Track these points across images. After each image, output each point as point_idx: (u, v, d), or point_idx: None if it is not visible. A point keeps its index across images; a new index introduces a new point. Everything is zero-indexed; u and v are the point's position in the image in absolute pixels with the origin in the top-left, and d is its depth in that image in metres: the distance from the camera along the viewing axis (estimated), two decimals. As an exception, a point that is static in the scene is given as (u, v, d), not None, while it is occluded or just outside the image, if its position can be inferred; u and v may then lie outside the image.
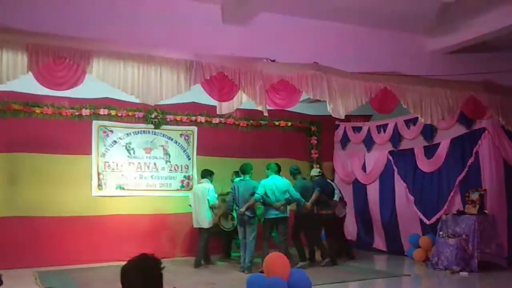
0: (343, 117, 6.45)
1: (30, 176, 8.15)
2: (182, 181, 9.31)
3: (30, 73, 5.13)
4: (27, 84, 6.11)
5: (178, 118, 9.35)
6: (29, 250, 7.87)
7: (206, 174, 8.16)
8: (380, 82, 6.40)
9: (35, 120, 8.27)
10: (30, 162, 8.18)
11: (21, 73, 5.09)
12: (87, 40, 5.23)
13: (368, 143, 9.81)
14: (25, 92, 7.98)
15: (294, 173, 8.56)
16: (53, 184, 8.22)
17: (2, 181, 8.02)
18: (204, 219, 7.88)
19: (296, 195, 7.77)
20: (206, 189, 7.92)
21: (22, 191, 8.08)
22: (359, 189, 9.97)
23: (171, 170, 9.22)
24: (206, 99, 6.77)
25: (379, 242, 9.57)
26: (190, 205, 8.11)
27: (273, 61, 6.00)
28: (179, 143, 9.40)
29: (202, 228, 7.90)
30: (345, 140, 10.37)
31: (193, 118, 9.49)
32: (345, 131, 10.33)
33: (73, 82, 5.30)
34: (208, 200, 7.84)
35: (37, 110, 8.28)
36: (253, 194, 7.53)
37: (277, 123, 10.21)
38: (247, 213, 7.51)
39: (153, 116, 9.06)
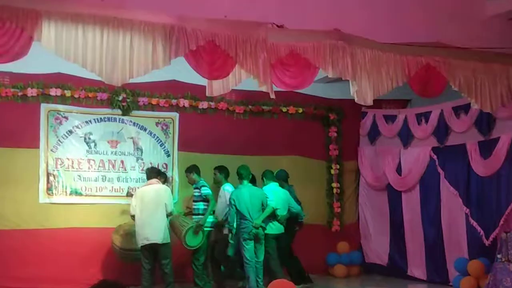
0: (370, 103, 6.46)
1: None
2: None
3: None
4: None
5: (154, 101, 9.39)
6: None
7: (154, 172, 8.33)
8: (421, 55, 6.42)
9: (-35, 102, 8.28)
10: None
11: None
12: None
13: (405, 136, 9.81)
14: (-48, 65, 8.00)
15: (283, 179, 8.94)
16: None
17: None
18: (158, 231, 7.81)
19: (297, 208, 8.43)
20: (163, 191, 8.02)
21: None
22: (393, 197, 10.00)
23: (144, 170, 9.19)
24: (191, 76, 6.81)
25: (415, 267, 9.59)
26: (133, 216, 7.95)
27: (281, 26, 6.02)
28: (154, 135, 9.45)
29: (157, 245, 7.80)
30: (374, 133, 10.38)
31: (174, 101, 9.53)
32: (374, 120, 10.33)
33: (16, 52, 5.33)
34: (166, 205, 7.92)
35: (-32, 89, 8.30)
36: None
37: (284, 109, 10.24)
38: (263, 225, 8.02)
39: (120, 98, 9.09)
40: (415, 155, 9.62)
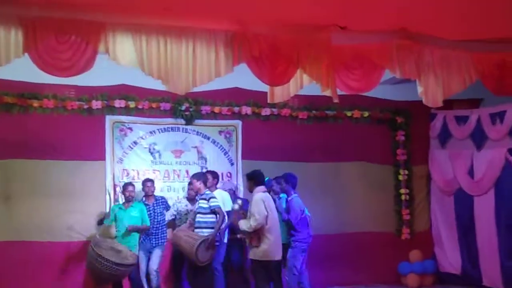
0: (440, 104, 6.32)
1: (27, 189, 8.47)
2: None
3: (23, 56, 5.32)
4: (22, 69, 6.40)
5: (217, 109, 9.48)
6: (26, 282, 8.17)
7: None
8: (495, 51, 6.24)
9: (33, 116, 8.58)
10: (27, 171, 8.50)
11: (15, 56, 5.31)
12: (98, 9, 5.37)
13: (478, 138, 9.56)
14: (20, 80, 8.29)
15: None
16: (56, 200, 8.49)
17: (-7, 197, 8.37)
18: None
19: None
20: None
21: (18, 209, 8.42)
22: (464, 202, 9.76)
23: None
24: (253, 83, 6.82)
25: (490, 277, 9.30)
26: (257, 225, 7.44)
27: (344, 28, 5.96)
28: (218, 143, 9.53)
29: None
30: (445, 135, 10.16)
31: (236, 109, 9.59)
32: (444, 122, 10.12)
33: (82, 66, 5.48)
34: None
35: (35, 103, 8.59)
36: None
37: (349, 113, 10.13)
38: None
39: (183, 108, 9.21)
40: (489, 157, 9.35)
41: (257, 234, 7.27)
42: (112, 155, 8.95)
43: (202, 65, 5.72)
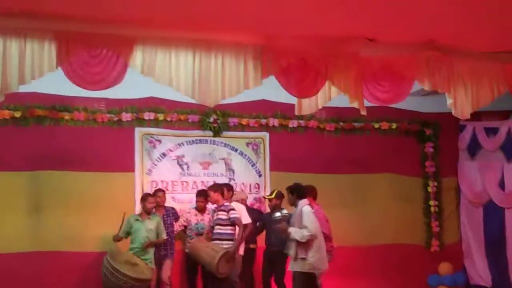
0: (467, 116, 6.28)
1: (57, 200, 8.60)
2: (252, 205, 9.39)
3: (56, 70, 5.45)
4: (53, 83, 6.55)
5: (244, 121, 9.54)
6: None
7: None
8: (525, 63, 6.17)
9: (64, 128, 8.73)
10: (57, 183, 8.64)
11: (48, 69, 5.43)
12: (129, 24, 5.46)
13: (509, 149, 9.48)
14: (51, 93, 8.49)
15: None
16: (87, 210, 8.59)
17: (24, 207, 8.51)
18: None
19: None
20: None
21: (49, 220, 8.55)
22: (494, 214, 9.64)
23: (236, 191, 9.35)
24: (280, 95, 6.86)
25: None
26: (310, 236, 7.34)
27: (372, 40, 5.96)
28: (245, 155, 9.57)
29: None
30: (474, 147, 10.08)
31: (263, 121, 9.64)
32: (474, 133, 10.04)
33: (113, 79, 5.59)
34: None
35: (66, 116, 8.75)
36: None
37: (377, 125, 10.10)
38: None
39: (211, 120, 9.28)
40: (520, 169, 9.25)
41: (305, 245, 7.22)
42: (141, 166, 9.06)
43: (231, 78, 5.77)
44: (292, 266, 7.42)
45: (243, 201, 8.70)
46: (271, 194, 8.63)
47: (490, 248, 9.73)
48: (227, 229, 7.84)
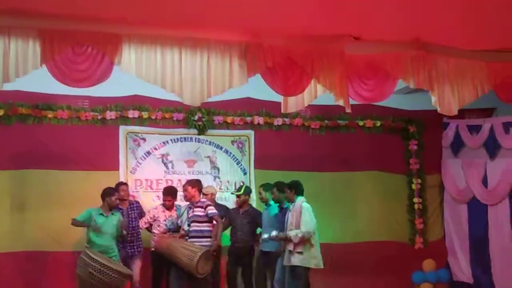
0: (455, 113, 6.35)
1: (41, 199, 8.57)
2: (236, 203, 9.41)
3: (41, 67, 5.46)
4: (37, 81, 6.51)
5: (229, 119, 9.54)
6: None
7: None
8: (509, 61, 6.23)
9: (47, 126, 8.69)
10: (41, 181, 8.61)
11: (33, 67, 5.45)
12: (114, 22, 5.47)
13: (491, 147, 9.48)
14: (34, 91, 8.40)
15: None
16: (70, 210, 8.42)
17: (8, 207, 8.46)
18: None
19: None
20: None
21: (33, 219, 8.51)
22: (478, 211, 9.70)
23: (222, 189, 9.38)
24: (265, 93, 6.88)
25: (504, 285, 9.20)
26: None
27: (358, 38, 6.01)
28: (230, 153, 9.58)
29: None
30: (457, 144, 10.12)
31: (248, 119, 9.65)
32: (457, 131, 10.08)
33: (99, 77, 5.60)
34: None
35: (50, 114, 8.70)
36: None
37: (361, 122, 10.14)
38: None
39: (196, 118, 9.28)
40: (503, 166, 9.30)
41: (302, 240, 7.43)
42: (125, 165, 9.04)
43: (216, 76, 5.80)
44: (289, 261, 7.53)
45: (212, 196, 8.69)
46: (239, 190, 8.65)
47: (473, 245, 9.79)
48: (205, 226, 7.82)
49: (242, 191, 8.59)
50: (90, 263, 7.13)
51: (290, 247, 7.50)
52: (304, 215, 7.52)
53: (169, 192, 8.50)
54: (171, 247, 7.73)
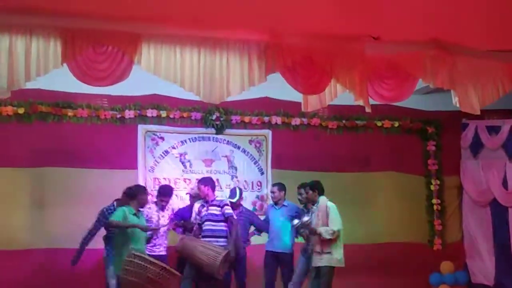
0: (478, 112, 6.32)
1: (60, 197, 8.66)
2: (254, 203, 9.50)
3: (62, 66, 5.48)
4: (57, 79, 6.59)
5: (247, 119, 9.57)
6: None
7: None
8: (529, 62, 6.20)
9: (67, 125, 8.80)
10: (60, 179, 8.70)
11: (53, 66, 5.47)
12: (134, 21, 5.49)
13: (511, 148, 9.46)
14: (54, 89, 8.51)
15: None
16: (89, 208, 8.48)
17: (27, 204, 8.58)
18: None
19: None
20: None
21: (51, 216, 8.61)
22: (499, 213, 9.65)
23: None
24: (283, 93, 6.90)
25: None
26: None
27: (377, 38, 5.99)
28: (248, 153, 9.61)
29: None
30: (477, 145, 10.08)
31: (266, 118, 9.68)
32: (476, 132, 10.04)
33: (118, 76, 5.62)
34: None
35: (70, 113, 8.80)
36: None
37: (379, 123, 10.13)
38: None
39: (214, 117, 9.31)
40: (523, 167, 9.27)
41: (330, 240, 7.43)
42: (144, 164, 9.10)
43: (236, 75, 5.80)
44: (318, 262, 7.53)
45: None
46: (233, 196, 8.38)
47: (498, 247, 9.72)
48: (220, 226, 7.73)
49: (237, 196, 8.42)
50: (149, 267, 6.69)
51: (318, 248, 7.49)
52: (331, 213, 7.54)
53: (168, 193, 8.33)
54: (188, 246, 7.62)
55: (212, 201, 7.84)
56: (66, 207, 8.60)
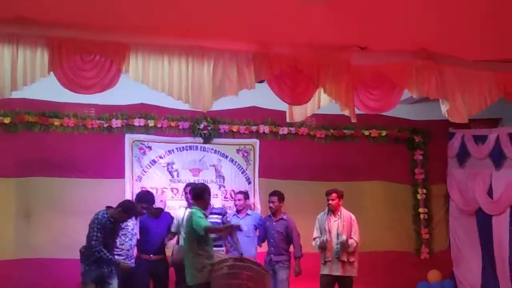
0: (465, 120, 6.38)
1: (46, 206, 8.61)
2: (241, 212, 9.43)
3: (48, 75, 5.50)
4: (43, 89, 6.56)
5: (234, 128, 9.57)
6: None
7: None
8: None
9: (54, 134, 8.75)
10: (47, 189, 8.66)
11: (40, 75, 5.49)
12: (122, 30, 5.51)
13: (497, 157, 9.51)
14: (41, 99, 8.50)
15: None
16: (76, 217, 8.49)
17: (14, 214, 8.51)
18: None
19: None
20: None
21: (37, 226, 8.55)
22: (484, 222, 9.71)
23: (226, 198, 9.39)
24: (271, 102, 6.90)
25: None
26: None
27: (364, 48, 6.04)
28: (235, 162, 9.60)
29: None
30: (463, 154, 10.14)
31: (254, 127, 9.68)
32: (463, 141, 10.10)
33: (106, 84, 5.63)
34: None
35: (56, 122, 8.76)
36: None
37: (366, 132, 10.17)
38: None
39: (201, 126, 9.30)
40: (509, 177, 9.30)
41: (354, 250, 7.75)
42: (131, 173, 9.07)
43: (223, 83, 5.82)
44: (348, 271, 7.81)
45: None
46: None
47: (484, 255, 9.77)
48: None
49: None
50: (253, 267, 6.72)
51: (344, 257, 7.71)
52: (355, 225, 7.86)
53: (147, 199, 8.01)
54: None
55: (211, 209, 7.90)
56: (52, 217, 8.57)
